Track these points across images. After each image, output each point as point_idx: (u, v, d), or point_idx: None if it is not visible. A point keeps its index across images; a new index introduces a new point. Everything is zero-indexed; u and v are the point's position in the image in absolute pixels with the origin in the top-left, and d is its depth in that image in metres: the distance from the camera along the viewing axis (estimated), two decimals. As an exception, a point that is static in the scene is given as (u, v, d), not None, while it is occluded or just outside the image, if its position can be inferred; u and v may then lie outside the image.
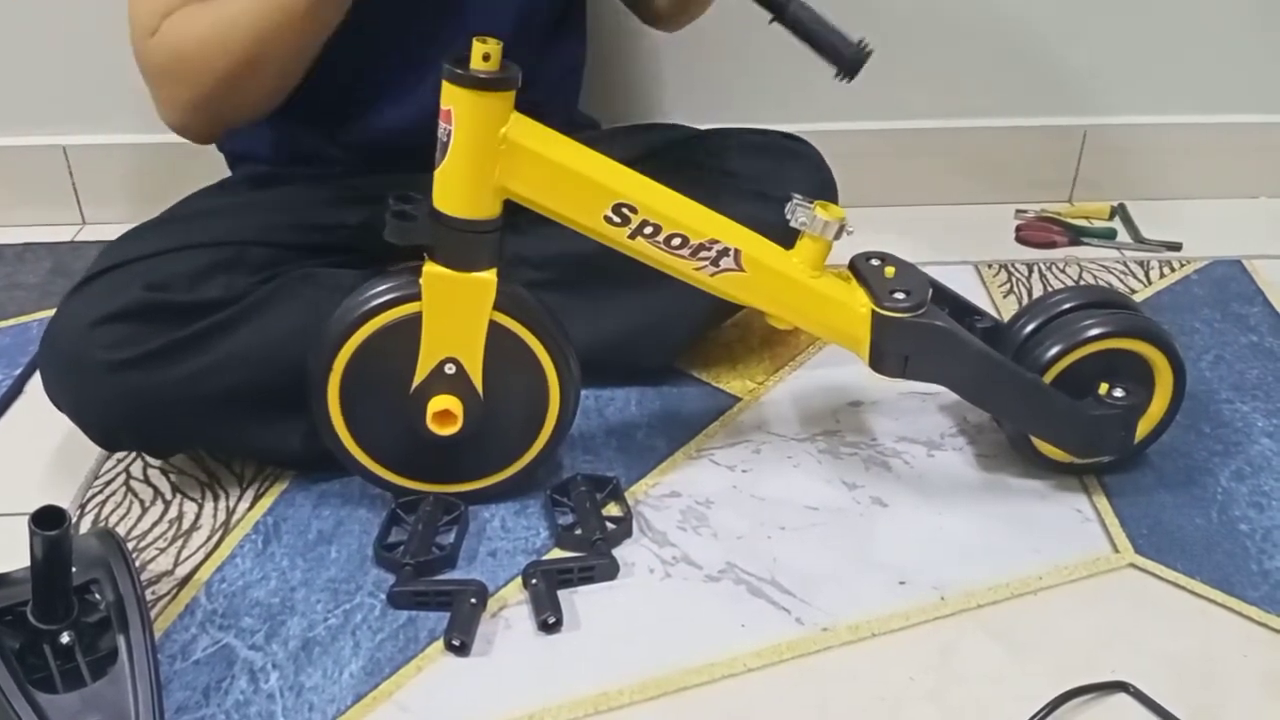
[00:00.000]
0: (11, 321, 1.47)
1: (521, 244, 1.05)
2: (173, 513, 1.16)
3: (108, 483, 1.19)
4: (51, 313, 1.11)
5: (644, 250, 1.04)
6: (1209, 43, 1.66)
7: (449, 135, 0.97)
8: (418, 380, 1.06)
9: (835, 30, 1.04)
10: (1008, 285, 1.54)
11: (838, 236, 1.08)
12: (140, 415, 1.09)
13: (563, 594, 1.05)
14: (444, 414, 1.07)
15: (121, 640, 0.92)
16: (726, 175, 1.27)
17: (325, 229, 1.22)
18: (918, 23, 1.60)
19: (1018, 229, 1.66)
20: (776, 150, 1.32)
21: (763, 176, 1.15)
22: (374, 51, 1.18)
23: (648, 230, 1.03)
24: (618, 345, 1.26)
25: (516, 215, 1.03)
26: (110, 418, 1.10)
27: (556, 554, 1.10)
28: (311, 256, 1.19)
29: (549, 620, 1.02)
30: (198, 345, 1.07)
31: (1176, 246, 1.62)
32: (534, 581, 1.05)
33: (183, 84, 1.08)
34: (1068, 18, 1.62)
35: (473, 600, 1.03)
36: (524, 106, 0.99)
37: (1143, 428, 1.16)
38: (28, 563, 0.90)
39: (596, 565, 1.07)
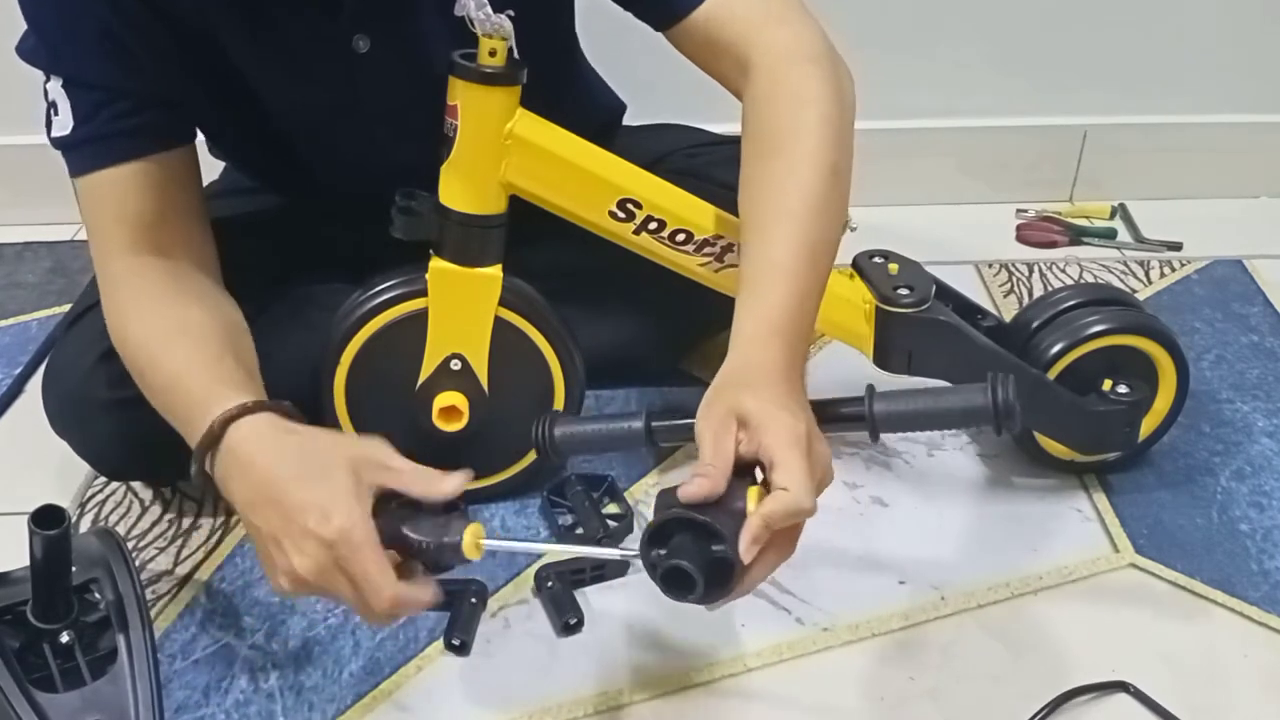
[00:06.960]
0: (11, 320, 1.46)
1: (526, 254, 1.04)
2: (172, 512, 1.16)
3: (107, 482, 1.19)
4: (51, 312, 1.10)
5: (649, 246, 1.04)
6: (1209, 43, 1.66)
7: (455, 130, 0.97)
8: (423, 376, 1.06)
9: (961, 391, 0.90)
10: (1008, 285, 1.54)
11: (841, 233, 1.07)
12: (143, 449, 1.08)
13: (562, 594, 1.06)
14: (450, 410, 1.06)
15: (121, 639, 0.92)
16: (726, 189, 1.26)
17: (315, 244, 1.20)
18: (918, 23, 1.60)
19: (1018, 229, 1.66)
20: None
21: None
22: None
23: (652, 226, 1.03)
24: (622, 352, 1.26)
25: (521, 226, 1.03)
26: (114, 451, 1.10)
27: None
28: (306, 273, 1.18)
29: (570, 621, 1.02)
30: None
31: (1177, 246, 1.62)
32: (550, 584, 1.05)
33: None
34: (1068, 18, 1.62)
35: (473, 600, 1.03)
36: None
37: (1147, 424, 1.16)
38: (28, 562, 0.90)
39: (608, 563, 1.07)
